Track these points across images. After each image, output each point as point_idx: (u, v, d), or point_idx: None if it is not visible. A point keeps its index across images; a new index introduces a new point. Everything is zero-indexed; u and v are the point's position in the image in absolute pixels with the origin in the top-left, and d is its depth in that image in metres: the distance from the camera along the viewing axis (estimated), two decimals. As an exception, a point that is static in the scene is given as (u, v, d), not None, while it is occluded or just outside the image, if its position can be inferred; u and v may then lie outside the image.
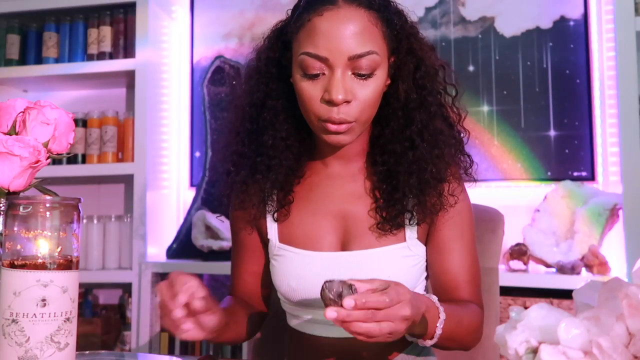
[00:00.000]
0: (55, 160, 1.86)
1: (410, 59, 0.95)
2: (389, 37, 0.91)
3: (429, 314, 0.82)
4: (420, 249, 0.98)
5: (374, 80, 0.89)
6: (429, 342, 0.86)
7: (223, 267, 1.99)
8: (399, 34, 0.93)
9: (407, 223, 0.95)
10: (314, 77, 0.88)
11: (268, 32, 1.01)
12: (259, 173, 0.97)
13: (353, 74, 0.88)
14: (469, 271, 0.98)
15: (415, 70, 0.95)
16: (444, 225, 0.97)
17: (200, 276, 2.47)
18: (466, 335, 0.92)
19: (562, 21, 2.02)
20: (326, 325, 0.96)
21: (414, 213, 0.95)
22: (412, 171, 0.92)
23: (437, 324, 0.84)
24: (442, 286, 0.98)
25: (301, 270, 0.96)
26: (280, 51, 0.98)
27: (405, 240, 0.96)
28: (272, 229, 1.01)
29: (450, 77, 0.98)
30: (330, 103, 0.87)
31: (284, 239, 0.99)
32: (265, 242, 1.04)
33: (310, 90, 0.89)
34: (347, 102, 0.87)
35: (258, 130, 0.98)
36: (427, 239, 0.99)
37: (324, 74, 0.88)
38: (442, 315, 0.84)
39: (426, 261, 1.00)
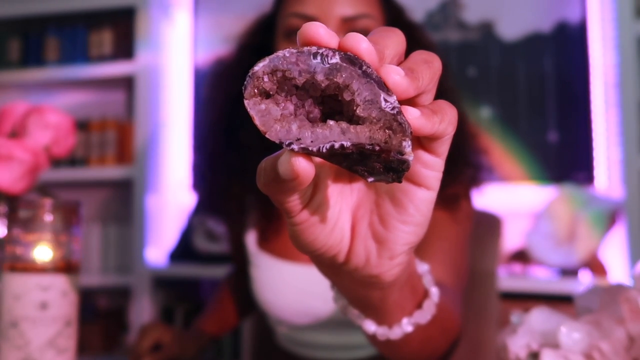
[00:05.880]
0: (56, 164, 1.86)
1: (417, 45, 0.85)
2: (385, 8, 0.83)
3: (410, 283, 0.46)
4: None
5: None
6: (395, 331, 0.46)
7: (223, 271, 1.98)
8: (398, 15, 0.85)
9: None
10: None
11: (249, 24, 0.92)
12: (235, 176, 0.86)
13: None
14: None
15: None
16: None
17: (199, 281, 2.43)
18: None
19: (562, 25, 2.03)
20: (311, 349, 0.88)
21: None
22: None
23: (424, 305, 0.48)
24: None
25: (276, 282, 0.85)
26: (261, 35, 0.89)
27: None
28: (250, 233, 0.92)
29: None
30: None
31: (262, 245, 0.90)
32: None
33: None
34: None
35: (234, 128, 0.87)
36: None
37: None
38: (434, 297, 0.48)
39: None
